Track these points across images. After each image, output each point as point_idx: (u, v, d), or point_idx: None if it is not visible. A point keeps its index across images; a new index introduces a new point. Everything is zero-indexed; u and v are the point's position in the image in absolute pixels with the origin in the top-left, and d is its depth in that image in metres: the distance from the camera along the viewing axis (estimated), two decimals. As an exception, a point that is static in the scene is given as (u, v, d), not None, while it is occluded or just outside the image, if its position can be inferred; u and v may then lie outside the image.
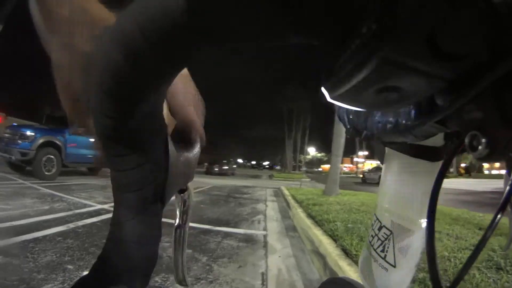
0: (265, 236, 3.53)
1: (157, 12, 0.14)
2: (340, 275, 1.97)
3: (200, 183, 11.46)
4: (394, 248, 0.38)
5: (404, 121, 0.24)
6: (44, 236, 2.72)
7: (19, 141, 7.07)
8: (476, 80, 0.15)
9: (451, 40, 0.13)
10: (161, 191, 0.24)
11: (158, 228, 0.24)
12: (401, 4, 0.12)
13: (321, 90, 0.17)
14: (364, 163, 57.20)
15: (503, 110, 0.16)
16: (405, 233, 0.38)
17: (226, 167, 25.04)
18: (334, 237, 2.86)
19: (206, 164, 24.70)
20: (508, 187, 0.26)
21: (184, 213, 0.31)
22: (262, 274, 2.29)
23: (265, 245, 3.16)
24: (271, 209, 5.92)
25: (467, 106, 0.17)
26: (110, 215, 0.25)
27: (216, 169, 23.98)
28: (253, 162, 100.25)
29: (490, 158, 0.17)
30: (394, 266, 0.38)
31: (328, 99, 0.17)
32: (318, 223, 3.62)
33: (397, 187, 0.40)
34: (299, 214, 4.48)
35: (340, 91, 0.16)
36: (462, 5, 0.12)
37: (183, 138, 0.28)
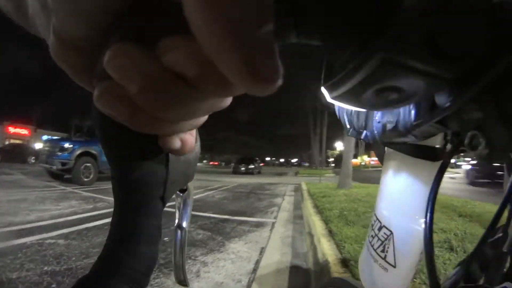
0: (273, 223, 4.09)
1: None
2: (319, 247, 2.47)
3: (227, 182, 12.24)
4: (394, 248, 0.38)
5: (404, 121, 0.24)
6: (94, 226, 3.50)
7: (59, 153, 8.01)
8: (476, 80, 0.15)
9: (451, 40, 0.13)
10: (161, 191, 0.23)
11: (158, 228, 0.24)
12: (401, 5, 0.12)
13: (321, 90, 0.17)
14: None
15: (502, 110, 0.16)
16: (405, 233, 0.37)
17: (253, 166, 25.61)
18: (326, 221, 3.37)
19: (233, 164, 25.29)
20: (508, 187, 0.28)
21: (184, 213, 0.30)
22: (262, 248, 2.87)
23: (271, 229, 3.72)
24: (287, 202, 6.42)
25: (467, 106, 0.17)
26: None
27: (243, 169, 24.82)
28: (281, 160, 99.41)
29: (490, 157, 0.17)
30: (394, 266, 0.38)
31: (328, 99, 0.17)
32: (320, 211, 4.12)
33: (397, 187, 0.39)
34: (308, 204, 4.96)
35: (340, 91, 0.16)
36: (462, 6, 0.13)
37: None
